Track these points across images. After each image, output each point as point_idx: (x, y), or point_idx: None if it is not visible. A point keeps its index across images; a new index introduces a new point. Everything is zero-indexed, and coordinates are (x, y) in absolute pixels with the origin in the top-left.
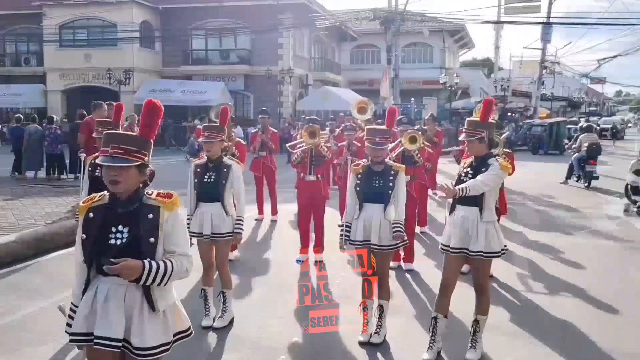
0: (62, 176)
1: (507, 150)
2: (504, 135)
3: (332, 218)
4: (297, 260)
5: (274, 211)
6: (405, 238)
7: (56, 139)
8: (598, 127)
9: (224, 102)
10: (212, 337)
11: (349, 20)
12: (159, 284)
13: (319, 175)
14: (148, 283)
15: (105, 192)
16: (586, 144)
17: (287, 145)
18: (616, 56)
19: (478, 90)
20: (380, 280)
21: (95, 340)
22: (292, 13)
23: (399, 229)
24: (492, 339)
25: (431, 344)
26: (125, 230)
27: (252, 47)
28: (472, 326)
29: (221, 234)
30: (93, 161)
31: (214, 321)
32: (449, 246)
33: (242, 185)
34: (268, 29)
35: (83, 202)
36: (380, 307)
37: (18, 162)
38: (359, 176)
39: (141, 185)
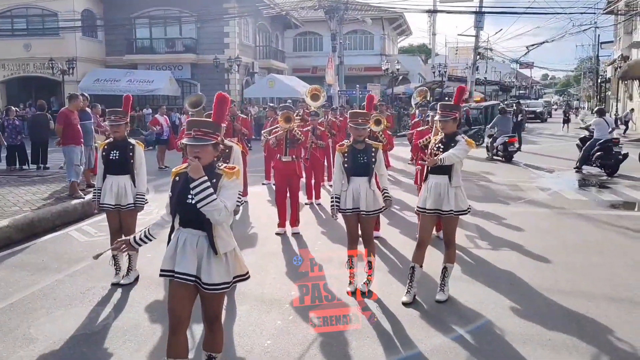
0: (24, 167)
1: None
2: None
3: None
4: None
5: (245, 192)
6: (389, 195)
7: (15, 129)
8: (524, 110)
9: (196, 93)
10: None
11: (294, 9)
12: (204, 201)
13: (293, 156)
14: (200, 191)
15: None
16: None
17: (263, 131)
18: (543, 42)
19: (417, 76)
20: (368, 240)
21: (175, 275)
22: (237, 2)
23: (388, 195)
24: (453, 285)
25: (409, 289)
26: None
27: (198, 35)
28: (442, 273)
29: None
30: (106, 146)
31: None
32: (425, 208)
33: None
34: (214, 18)
35: (174, 169)
36: (370, 263)
37: None
38: (345, 154)
39: (215, 158)
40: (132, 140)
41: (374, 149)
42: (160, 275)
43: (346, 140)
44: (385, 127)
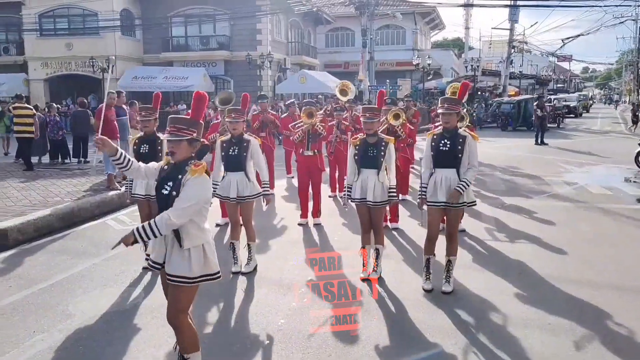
0: (65, 161)
1: (469, 124)
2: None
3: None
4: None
5: (272, 185)
6: (394, 193)
7: (56, 125)
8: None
9: (225, 91)
10: (242, 279)
11: (325, 5)
12: (154, 236)
13: (315, 150)
14: (145, 240)
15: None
16: None
17: (289, 125)
18: (579, 35)
19: (449, 71)
20: (376, 229)
21: (149, 262)
22: None
23: (393, 194)
24: (461, 273)
25: (427, 277)
26: (170, 184)
27: (231, 33)
28: (446, 265)
29: (244, 197)
30: (137, 140)
31: (241, 267)
32: (435, 201)
33: (262, 156)
34: (247, 15)
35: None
36: (377, 251)
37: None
38: (357, 147)
39: (193, 154)
40: (160, 135)
41: (384, 143)
42: (145, 259)
43: (361, 134)
44: (404, 122)
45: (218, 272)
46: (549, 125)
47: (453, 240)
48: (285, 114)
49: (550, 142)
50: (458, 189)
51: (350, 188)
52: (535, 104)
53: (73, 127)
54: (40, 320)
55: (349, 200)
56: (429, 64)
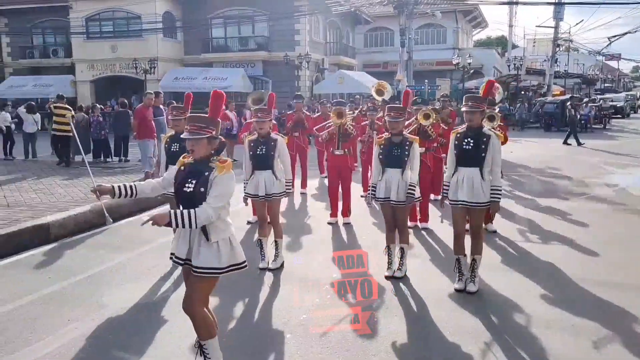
0: (107, 159)
1: (501, 123)
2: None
3: (355, 188)
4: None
5: (304, 185)
6: (419, 196)
7: (99, 125)
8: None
9: (254, 91)
10: (269, 275)
11: (362, 5)
12: (189, 226)
13: (345, 150)
14: (178, 226)
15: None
16: None
17: (315, 128)
18: (626, 33)
19: (492, 70)
20: (401, 228)
21: (173, 258)
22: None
23: (412, 191)
24: (487, 273)
25: (460, 277)
26: (193, 181)
27: (270, 33)
28: (471, 265)
29: (271, 195)
30: (168, 139)
31: (268, 264)
32: (457, 200)
33: (288, 155)
34: (285, 16)
35: (180, 158)
36: (402, 250)
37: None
38: (381, 146)
39: (213, 151)
40: None
41: (408, 143)
42: (170, 258)
43: (386, 134)
44: (436, 122)
45: (244, 261)
46: (594, 126)
47: (477, 238)
48: (317, 114)
49: (595, 143)
50: (495, 199)
51: (375, 187)
52: (568, 103)
53: (114, 126)
54: (75, 310)
55: (373, 200)
56: (469, 63)
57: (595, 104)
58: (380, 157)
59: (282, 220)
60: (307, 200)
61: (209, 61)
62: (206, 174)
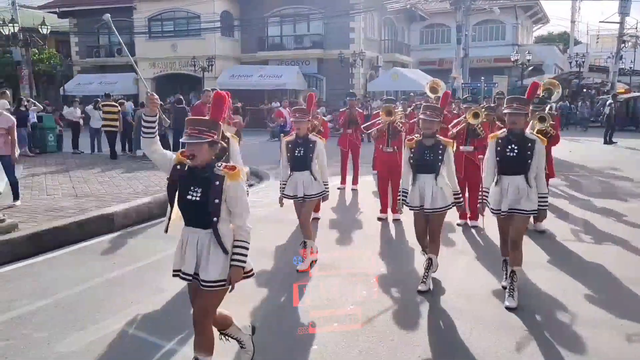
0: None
1: (552, 122)
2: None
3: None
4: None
5: (355, 181)
6: (461, 199)
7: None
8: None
9: (309, 88)
10: (315, 269)
11: (419, 2)
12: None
13: (395, 147)
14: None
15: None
16: None
17: (362, 126)
18: None
19: (552, 67)
20: (433, 238)
21: (181, 275)
22: None
23: (458, 199)
24: (535, 272)
25: (506, 276)
26: (198, 190)
27: (325, 31)
28: (510, 277)
29: (310, 195)
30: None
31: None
32: (500, 210)
33: (325, 157)
34: (340, 14)
35: (178, 153)
36: (429, 260)
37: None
38: (412, 150)
39: (214, 157)
40: (227, 134)
41: (442, 146)
42: (173, 275)
43: (416, 135)
44: (484, 121)
45: (251, 270)
46: None
47: (516, 248)
48: (375, 112)
49: None
50: (543, 206)
51: (406, 192)
52: (608, 102)
53: (173, 122)
54: (136, 293)
55: (404, 207)
56: (528, 60)
57: None
58: (411, 161)
59: (333, 215)
60: (357, 196)
61: (265, 59)
62: (217, 183)
